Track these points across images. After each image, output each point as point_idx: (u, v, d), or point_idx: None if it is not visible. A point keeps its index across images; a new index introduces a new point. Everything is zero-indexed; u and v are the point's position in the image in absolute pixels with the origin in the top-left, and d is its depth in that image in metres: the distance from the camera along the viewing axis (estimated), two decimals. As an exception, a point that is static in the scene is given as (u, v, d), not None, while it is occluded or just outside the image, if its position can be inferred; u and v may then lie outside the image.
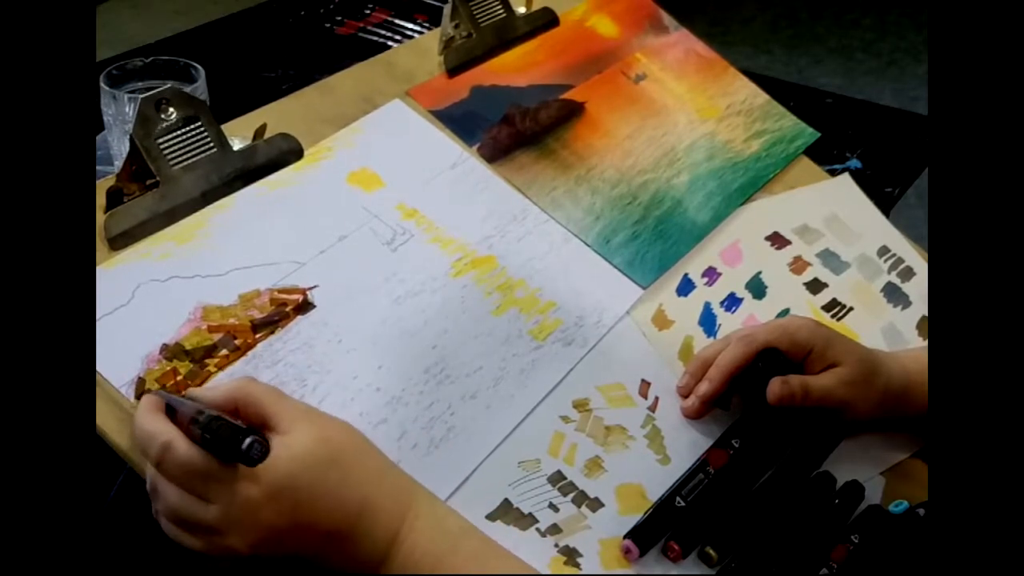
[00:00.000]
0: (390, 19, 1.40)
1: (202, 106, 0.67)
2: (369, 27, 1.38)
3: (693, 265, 0.80)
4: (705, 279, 0.80)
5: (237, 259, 0.64)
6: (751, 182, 0.89)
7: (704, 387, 0.68)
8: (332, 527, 0.50)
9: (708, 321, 0.77)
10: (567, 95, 0.88)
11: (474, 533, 0.54)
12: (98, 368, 0.56)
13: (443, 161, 0.77)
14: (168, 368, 0.57)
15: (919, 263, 0.86)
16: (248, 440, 0.47)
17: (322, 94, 0.78)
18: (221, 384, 0.54)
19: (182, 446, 0.49)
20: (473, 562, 0.52)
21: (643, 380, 0.70)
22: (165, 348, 0.58)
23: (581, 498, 0.62)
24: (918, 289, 0.84)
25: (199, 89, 0.91)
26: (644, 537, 0.60)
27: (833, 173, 0.96)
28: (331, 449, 0.51)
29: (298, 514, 0.50)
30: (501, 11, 0.89)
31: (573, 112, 0.87)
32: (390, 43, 1.34)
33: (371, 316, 0.65)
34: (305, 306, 0.63)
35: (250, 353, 0.60)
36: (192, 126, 0.66)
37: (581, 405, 0.67)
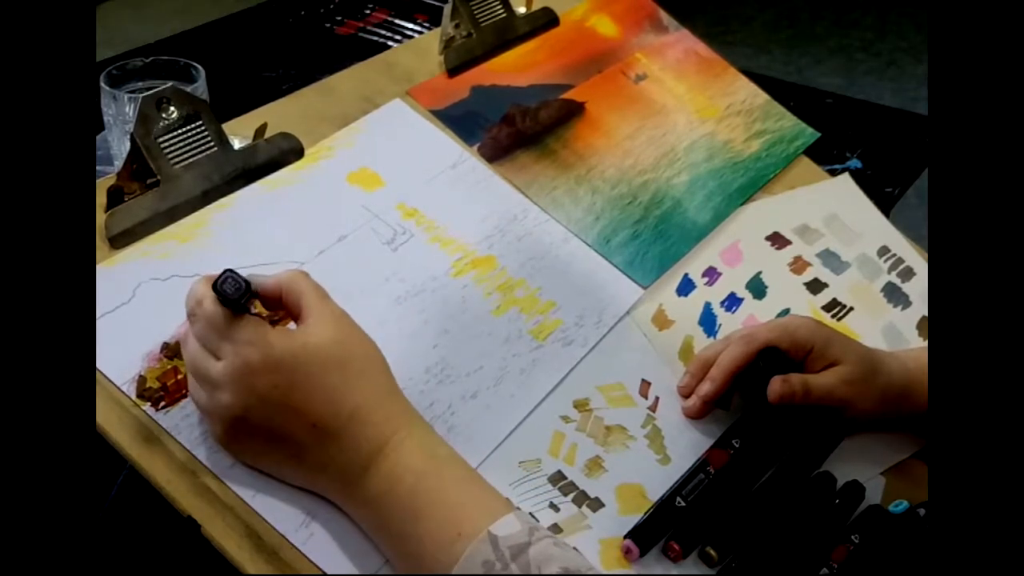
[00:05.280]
0: (390, 19, 1.40)
1: (203, 105, 0.67)
2: (369, 27, 1.38)
3: (693, 265, 0.80)
4: (705, 279, 0.80)
5: (237, 258, 0.64)
6: (751, 182, 0.89)
7: (706, 387, 0.68)
8: (319, 421, 0.52)
9: (708, 321, 0.77)
10: (567, 95, 0.88)
11: (460, 462, 0.55)
12: (99, 366, 0.56)
13: (443, 161, 0.77)
14: (169, 367, 0.57)
15: (919, 263, 0.86)
16: (223, 276, 0.52)
17: (322, 94, 0.79)
18: (279, 273, 0.56)
19: (208, 304, 0.53)
20: (454, 486, 0.53)
21: (643, 380, 0.70)
22: (166, 347, 0.58)
23: (581, 498, 0.62)
24: (918, 289, 0.84)
25: (199, 89, 0.92)
26: (644, 537, 0.60)
27: (833, 173, 0.96)
28: (344, 353, 0.54)
29: (291, 395, 0.52)
30: (501, 11, 0.89)
31: (573, 112, 0.87)
32: (390, 43, 1.34)
33: (371, 316, 0.65)
34: (305, 306, 0.63)
35: (250, 352, 0.60)
36: (193, 125, 0.66)
37: (581, 405, 0.67)
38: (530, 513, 0.59)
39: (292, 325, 0.56)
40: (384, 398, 0.55)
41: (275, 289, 0.55)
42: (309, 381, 0.52)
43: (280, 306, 0.56)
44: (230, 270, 0.52)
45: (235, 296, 0.52)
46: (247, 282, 0.52)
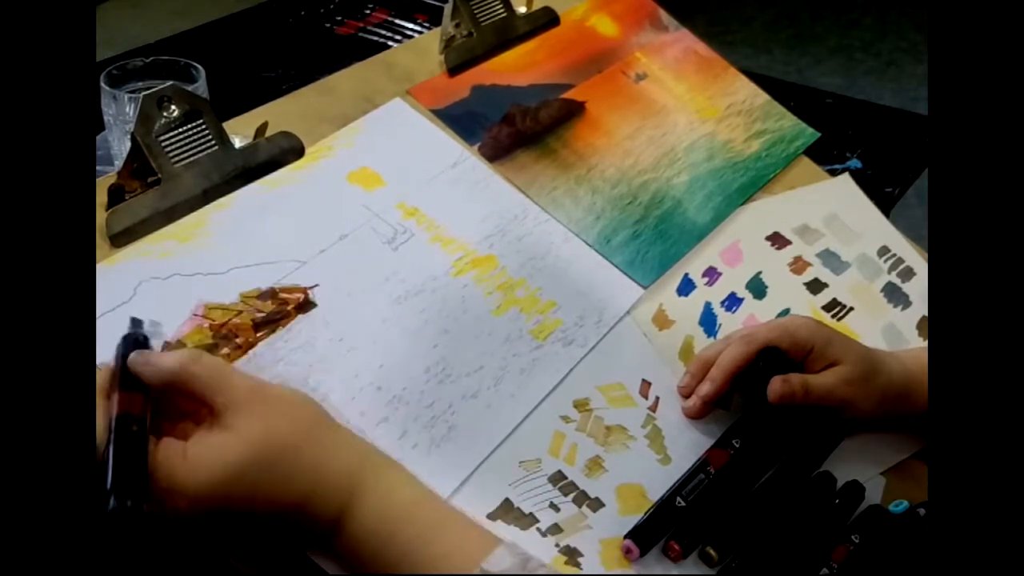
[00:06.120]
0: (390, 19, 1.40)
1: (203, 103, 0.67)
2: (369, 27, 1.38)
3: (693, 265, 0.80)
4: (705, 279, 0.80)
5: (238, 257, 0.64)
6: (751, 182, 0.89)
7: (706, 387, 0.68)
8: (272, 518, 0.51)
9: (708, 321, 0.77)
10: (567, 94, 0.88)
11: (424, 505, 0.52)
12: (99, 366, 0.56)
13: (444, 160, 0.77)
14: (169, 367, 0.57)
15: (919, 263, 0.86)
16: (111, 502, 0.47)
17: (322, 94, 0.79)
18: (171, 356, 0.52)
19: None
20: (418, 541, 0.50)
21: (643, 380, 0.70)
22: (167, 346, 0.58)
23: (582, 498, 0.62)
24: (918, 289, 0.84)
25: (199, 89, 0.92)
26: (645, 537, 0.60)
27: (833, 173, 0.96)
28: (272, 449, 0.50)
29: (232, 516, 0.50)
30: (502, 10, 0.89)
31: (573, 111, 0.87)
32: (390, 43, 1.34)
33: (372, 315, 0.65)
34: (306, 305, 0.63)
35: (251, 352, 0.60)
36: (193, 123, 0.66)
37: (582, 405, 0.67)
38: (530, 513, 0.59)
39: None
40: (330, 463, 0.51)
41: (171, 381, 0.51)
42: (243, 498, 0.49)
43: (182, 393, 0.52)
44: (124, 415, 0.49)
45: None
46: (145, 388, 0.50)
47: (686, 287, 0.79)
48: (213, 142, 0.67)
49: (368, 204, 0.71)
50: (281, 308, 0.62)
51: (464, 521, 0.52)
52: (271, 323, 0.61)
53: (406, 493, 0.53)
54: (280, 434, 0.50)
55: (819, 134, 0.97)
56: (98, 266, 0.60)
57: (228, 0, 1.56)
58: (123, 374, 0.51)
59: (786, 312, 0.79)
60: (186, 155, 0.66)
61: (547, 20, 0.94)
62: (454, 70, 0.85)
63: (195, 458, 0.49)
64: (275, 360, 0.60)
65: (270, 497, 0.50)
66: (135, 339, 0.53)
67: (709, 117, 0.94)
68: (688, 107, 0.94)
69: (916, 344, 0.80)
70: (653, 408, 0.69)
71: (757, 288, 0.81)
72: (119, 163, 0.73)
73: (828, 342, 0.68)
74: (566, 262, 0.75)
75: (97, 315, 0.58)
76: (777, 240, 0.85)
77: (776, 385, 0.66)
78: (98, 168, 0.95)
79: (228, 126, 0.70)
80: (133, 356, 0.52)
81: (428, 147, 0.78)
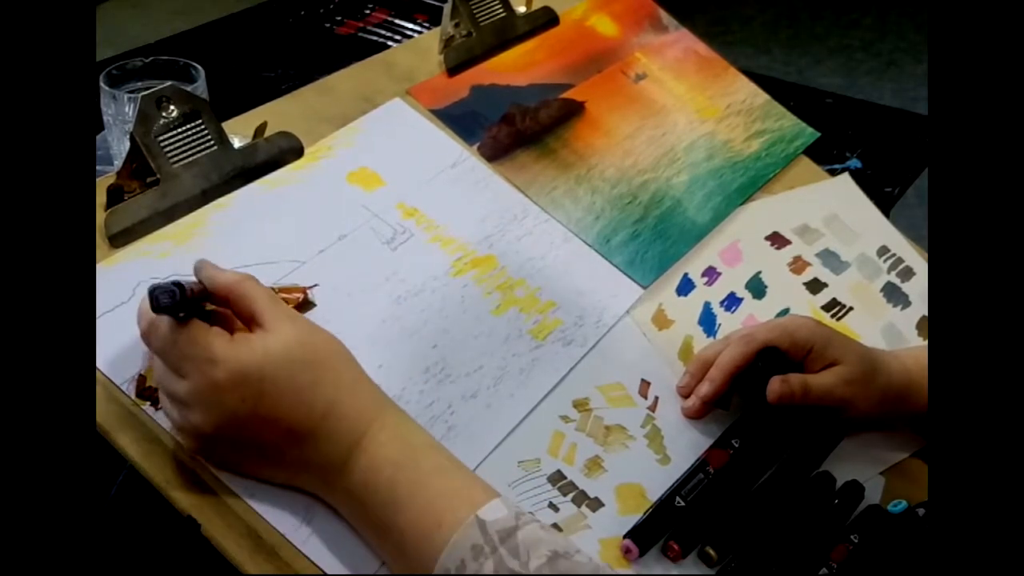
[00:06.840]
0: (390, 19, 1.40)
1: (203, 104, 0.67)
2: (369, 27, 1.38)
3: (693, 265, 0.80)
4: (705, 279, 0.80)
5: (237, 257, 0.64)
6: (751, 182, 0.89)
7: (705, 388, 0.68)
8: (294, 424, 0.52)
9: (708, 321, 0.77)
10: (567, 94, 0.88)
11: (439, 449, 0.54)
12: (99, 365, 0.56)
13: (443, 160, 0.77)
14: (168, 367, 0.57)
15: (919, 263, 0.86)
16: (151, 293, 0.50)
17: (322, 94, 0.78)
18: (231, 272, 0.55)
19: (161, 324, 0.52)
20: (432, 476, 0.52)
21: (643, 380, 0.70)
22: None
23: (581, 498, 0.62)
24: (918, 289, 0.84)
25: (199, 89, 0.92)
26: (644, 537, 0.60)
27: (833, 173, 0.96)
28: (308, 352, 0.53)
29: (261, 405, 0.51)
30: (501, 10, 0.89)
31: (573, 111, 0.87)
32: (390, 43, 1.34)
33: (371, 315, 0.65)
34: (305, 305, 0.63)
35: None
36: (192, 124, 0.66)
37: (581, 405, 0.67)
38: (530, 513, 0.59)
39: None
40: (355, 390, 0.54)
41: (224, 291, 0.54)
42: (276, 388, 0.51)
43: (228, 306, 0.55)
44: (155, 285, 0.50)
45: (171, 306, 0.50)
46: (180, 287, 0.50)
47: (685, 287, 0.79)
48: (212, 142, 0.67)
49: (367, 204, 0.71)
50: (281, 308, 0.62)
51: (466, 471, 0.54)
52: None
53: (422, 436, 0.55)
54: (319, 346, 0.54)
55: (819, 134, 0.97)
56: (97, 266, 0.60)
57: (228, 0, 1.56)
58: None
59: (786, 312, 0.79)
60: (185, 155, 0.66)
61: (547, 20, 0.94)
62: (454, 70, 0.85)
63: (240, 339, 0.52)
64: (275, 360, 0.60)
65: (301, 396, 0.52)
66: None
67: (709, 117, 0.94)
68: (688, 107, 0.94)
69: (916, 344, 0.80)
70: (652, 408, 0.69)
71: (757, 288, 0.81)
72: (118, 163, 0.73)
73: (828, 342, 0.68)
74: (566, 262, 0.75)
75: (97, 315, 0.58)
76: (777, 240, 0.85)
77: (775, 385, 0.66)
78: (98, 168, 0.95)
79: (228, 126, 0.70)
80: (199, 261, 0.55)
81: (427, 147, 0.78)
